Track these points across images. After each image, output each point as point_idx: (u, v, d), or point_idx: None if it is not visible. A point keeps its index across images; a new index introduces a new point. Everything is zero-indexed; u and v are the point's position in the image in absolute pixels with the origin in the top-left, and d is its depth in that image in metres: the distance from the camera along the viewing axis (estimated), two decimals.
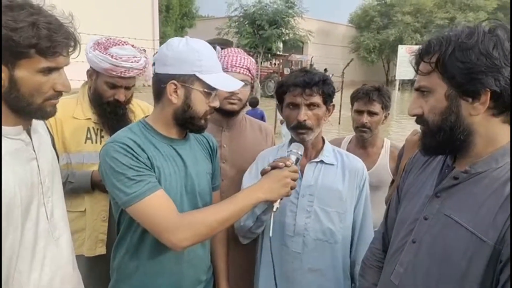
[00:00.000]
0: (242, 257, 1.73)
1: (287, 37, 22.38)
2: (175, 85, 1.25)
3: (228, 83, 1.32)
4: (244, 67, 1.81)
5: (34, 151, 1.07)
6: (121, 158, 1.19)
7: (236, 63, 1.80)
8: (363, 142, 2.19)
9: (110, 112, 1.82)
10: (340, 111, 11.41)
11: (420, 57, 0.98)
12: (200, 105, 1.28)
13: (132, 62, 1.77)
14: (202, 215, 1.21)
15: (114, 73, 1.75)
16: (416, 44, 21.01)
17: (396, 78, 17.91)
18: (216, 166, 1.54)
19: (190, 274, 1.37)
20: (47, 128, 1.78)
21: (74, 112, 1.85)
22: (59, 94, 1.05)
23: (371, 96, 2.07)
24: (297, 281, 1.54)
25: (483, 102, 0.90)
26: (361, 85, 2.25)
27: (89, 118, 1.85)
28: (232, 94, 1.76)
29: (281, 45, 22.94)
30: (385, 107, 2.11)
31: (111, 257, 1.39)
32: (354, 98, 2.16)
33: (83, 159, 1.82)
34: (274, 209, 1.29)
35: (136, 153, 1.21)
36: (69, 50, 1.02)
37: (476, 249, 0.90)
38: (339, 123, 11.26)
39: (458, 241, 0.93)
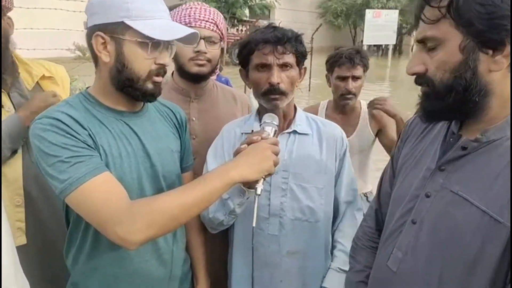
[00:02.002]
0: (219, 240, 1.54)
1: (253, 2, 21.71)
2: (103, 38, 1.00)
3: (169, 30, 1.04)
4: (211, 21, 1.53)
5: None
6: (51, 137, 0.94)
7: (200, 17, 1.52)
8: (343, 107, 2.06)
9: None
10: (310, 77, 11.28)
11: (425, 1, 0.79)
12: (139, 61, 1.03)
13: None
14: (160, 201, 0.97)
15: None
16: (382, 8, 20.94)
17: (364, 43, 17.86)
18: (187, 142, 1.32)
19: (160, 272, 1.18)
20: None
21: None
22: None
23: (355, 60, 1.94)
24: (275, 266, 1.38)
25: (507, 54, 0.74)
26: (333, 50, 2.12)
27: None
28: (199, 53, 1.50)
29: (247, 11, 22.25)
30: (366, 69, 1.99)
31: (64, 255, 1.17)
32: (334, 63, 1.99)
33: None
34: (258, 192, 1.08)
35: (72, 129, 0.97)
36: None
37: (489, 231, 0.77)
38: (309, 90, 11.14)
39: (468, 221, 0.80)
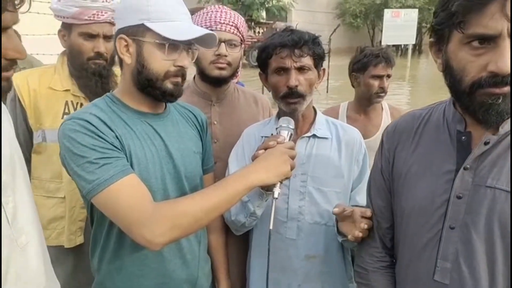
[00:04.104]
0: (241, 243, 1.55)
1: (270, 4, 21.75)
2: (125, 40, 1.05)
3: (186, 31, 1.06)
4: (231, 24, 1.54)
5: None
6: (80, 138, 0.98)
7: (221, 20, 1.53)
8: (366, 107, 2.08)
9: (93, 73, 1.59)
10: (328, 79, 11.21)
11: None
12: (157, 62, 1.06)
13: (102, 1, 1.54)
14: (183, 203, 1.01)
15: (86, 17, 1.52)
16: (401, 7, 20.65)
17: (383, 43, 17.60)
18: (208, 144, 1.34)
19: (182, 272, 1.19)
20: (19, 101, 1.58)
21: (51, 82, 1.62)
22: (12, 62, 0.80)
23: (392, 60, 2.01)
24: (294, 270, 1.38)
25: None
26: (350, 51, 2.15)
27: (68, 90, 1.63)
28: (219, 56, 1.51)
29: (264, 13, 22.30)
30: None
31: (90, 254, 1.20)
32: (369, 62, 2.00)
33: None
34: (276, 195, 1.10)
35: (100, 131, 1.00)
36: (16, 3, 0.76)
37: None
38: (327, 92, 11.07)
39: None
